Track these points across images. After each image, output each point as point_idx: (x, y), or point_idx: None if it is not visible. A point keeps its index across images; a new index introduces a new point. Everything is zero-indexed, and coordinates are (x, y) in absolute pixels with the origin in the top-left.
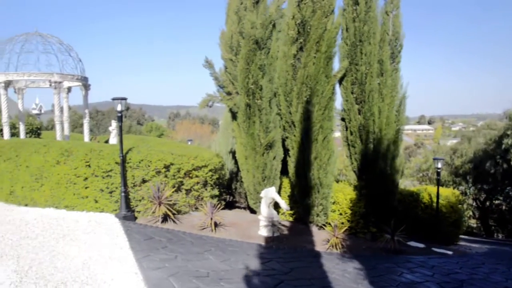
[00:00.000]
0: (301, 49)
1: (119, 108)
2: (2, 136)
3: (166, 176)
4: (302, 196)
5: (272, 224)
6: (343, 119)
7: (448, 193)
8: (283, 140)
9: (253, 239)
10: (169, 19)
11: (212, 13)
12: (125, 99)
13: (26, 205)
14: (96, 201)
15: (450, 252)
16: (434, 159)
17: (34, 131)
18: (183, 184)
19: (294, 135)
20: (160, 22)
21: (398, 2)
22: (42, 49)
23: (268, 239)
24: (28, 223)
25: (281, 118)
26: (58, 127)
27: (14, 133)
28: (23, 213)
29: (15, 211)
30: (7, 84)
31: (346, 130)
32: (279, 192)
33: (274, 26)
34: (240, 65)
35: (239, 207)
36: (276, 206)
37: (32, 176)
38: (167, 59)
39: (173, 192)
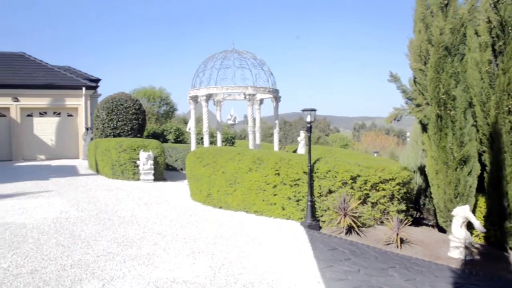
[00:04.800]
0: (500, 53)
1: (308, 119)
2: (203, 144)
3: (352, 188)
4: (501, 217)
5: (465, 246)
6: None
7: None
8: (480, 155)
9: (442, 260)
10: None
11: (397, 22)
12: (314, 110)
13: (220, 207)
14: (283, 208)
15: None
16: None
17: (229, 140)
18: (369, 197)
19: (493, 149)
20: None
21: None
22: (238, 65)
23: (459, 262)
24: (222, 224)
25: (478, 131)
26: (250, 136)
27: (212, 141)
28: (218, 214)
29: (211, 212)
30: (208, 97)
31: None
32: (473, 211)
33: (466, 29)
34: (430, 74)
35: (426, 225)
36: (469, 226)
37: (227, 181)
38: (353, 69)
39: (358, 204)
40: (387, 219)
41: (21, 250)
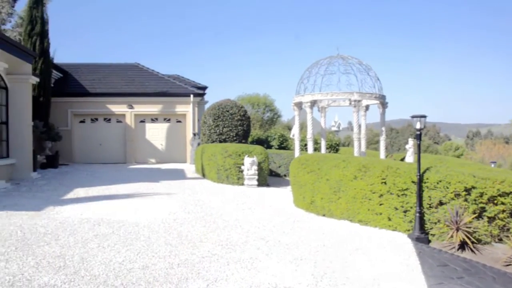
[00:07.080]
0: None
1: (417, 126)
2: (306, 150)
3: (466, 200)
4: None
5: None
6: None
7: None
8: None
9: None
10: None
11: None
12: (424, 116)
13: (323, 215)
14: (390, 219)
15: None
16: None
17: (333, 147)
18: (485, 211)
19: None
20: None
21: None
22: (343, 70)
23: None
24: (325, 232)
25: None
26: (356, 143)
27: (316, 148)
28: (321, 222)
29: (314, 220)
30: (313, 103)
31: None
32: None
33: None
34: None
35: None
36: None
37: (331, 188)
38: (465, 73)
39: (473, 218)
40: (507, 236)
41: (133, 247)
